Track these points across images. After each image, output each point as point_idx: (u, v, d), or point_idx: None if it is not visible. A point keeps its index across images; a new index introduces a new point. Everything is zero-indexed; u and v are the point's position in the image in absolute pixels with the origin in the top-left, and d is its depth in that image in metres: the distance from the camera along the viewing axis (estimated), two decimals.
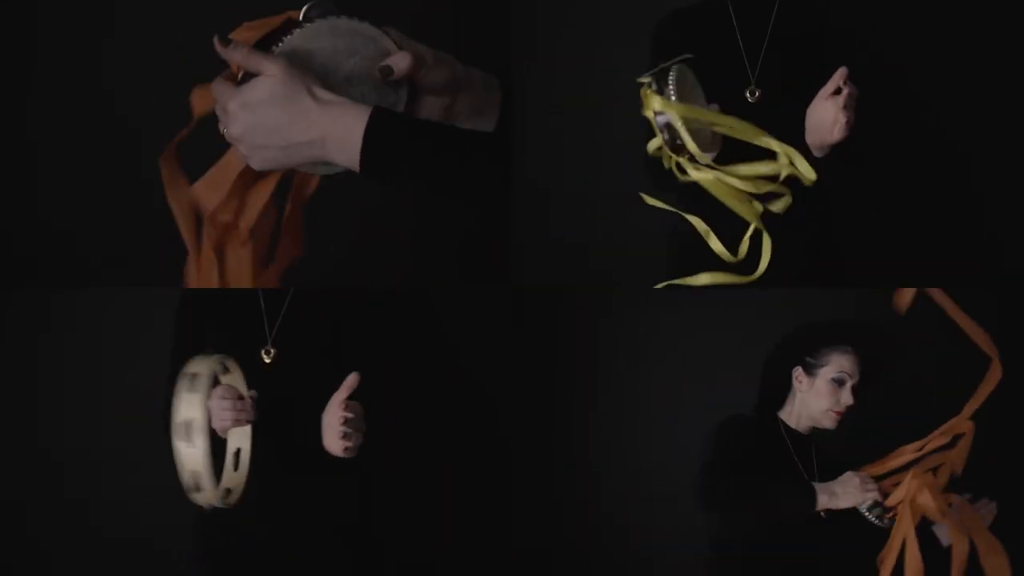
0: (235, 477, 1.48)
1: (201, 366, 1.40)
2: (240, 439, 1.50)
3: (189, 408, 1.35)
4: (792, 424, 1.71)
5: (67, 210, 2.08)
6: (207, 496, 1.38)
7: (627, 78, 1.79)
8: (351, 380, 1.46)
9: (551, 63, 2.22)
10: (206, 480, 1.36)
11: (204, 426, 1.35)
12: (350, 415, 1.46)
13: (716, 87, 1.55)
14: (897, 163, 2.11)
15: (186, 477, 1.37)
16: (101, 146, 2.08)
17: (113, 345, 2.11)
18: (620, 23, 2.15)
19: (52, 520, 2.10)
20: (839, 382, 1.67)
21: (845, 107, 1.46)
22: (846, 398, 1.67)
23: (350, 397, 1.47)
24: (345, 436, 1.45)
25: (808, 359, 1.69)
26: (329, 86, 1.24)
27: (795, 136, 1.59)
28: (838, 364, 1.68)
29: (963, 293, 2.06)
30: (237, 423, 1.48)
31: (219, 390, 1.47)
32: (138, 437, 2.00)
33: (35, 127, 2.08)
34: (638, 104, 1.73)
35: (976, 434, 1.81)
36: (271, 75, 1.20)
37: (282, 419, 1.56)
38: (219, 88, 1.23)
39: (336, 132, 1.19)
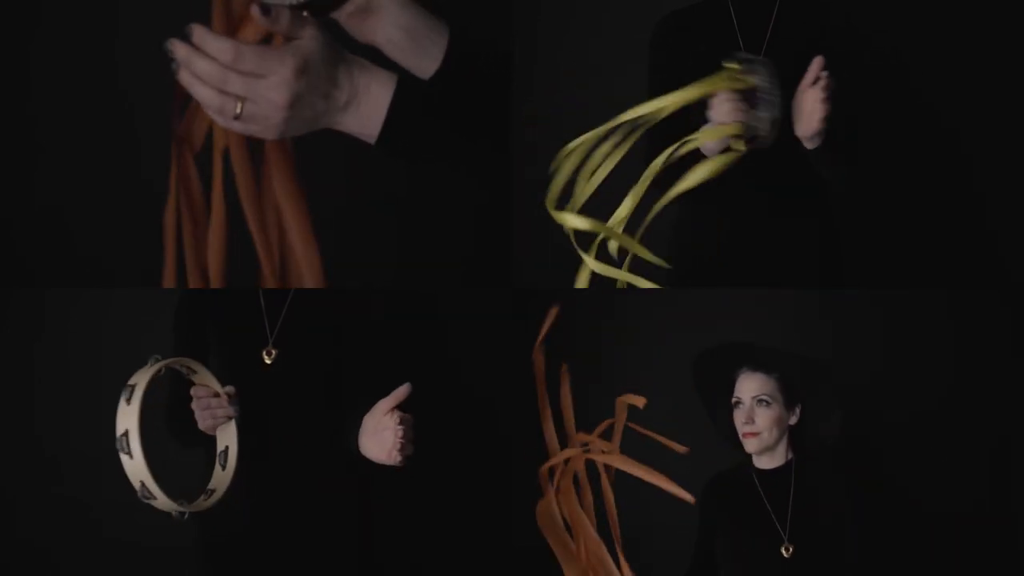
0: (222, 476, 1.49)
1: (139, 377, 1.41)
2: (227, 437, 1.50)
3: (125, 419, 1.37)
4: (756, 463, 1.71)
5: (67, 210, 2.08)
6: (162, 503, 1.41)
7: (628, 78, 1.80)
8: (402, 391, 1.46)
9: (552, 63, 2.22)
10: (154, 488, 1.39)
11: (139, 436, 1.37)
12: (403, 427, 1.46)
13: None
14: (898, 163, 2.11)
15: (137, 488, 1.39)
16: (101, 146, 2.08)
17: (112, 345, 2.11)
18: (621, 23, 2.15)
19: (52, 520, 2.09)
20: (736, 405, 1.68)
21: (823, 100, 1.47)
22: (740, 418, 1.66)
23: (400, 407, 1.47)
24: (402, 448, 1.47)
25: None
26: None
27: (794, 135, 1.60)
28: (736, 389, 1.68)
29: (964, 295, 2.07)
30: (219, 420, 1.49)
31: (193, 391, 1.48)
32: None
33: (36, 127, 2.07)
34: (640, 103, 1.74)
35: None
36: (312, 37, 1.18)
37: (283, 419, 1.56)
38: (257, 53, 1.15)
39: (363, 97, 1.18)
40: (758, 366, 1.66)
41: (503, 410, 2.12)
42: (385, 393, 1.49)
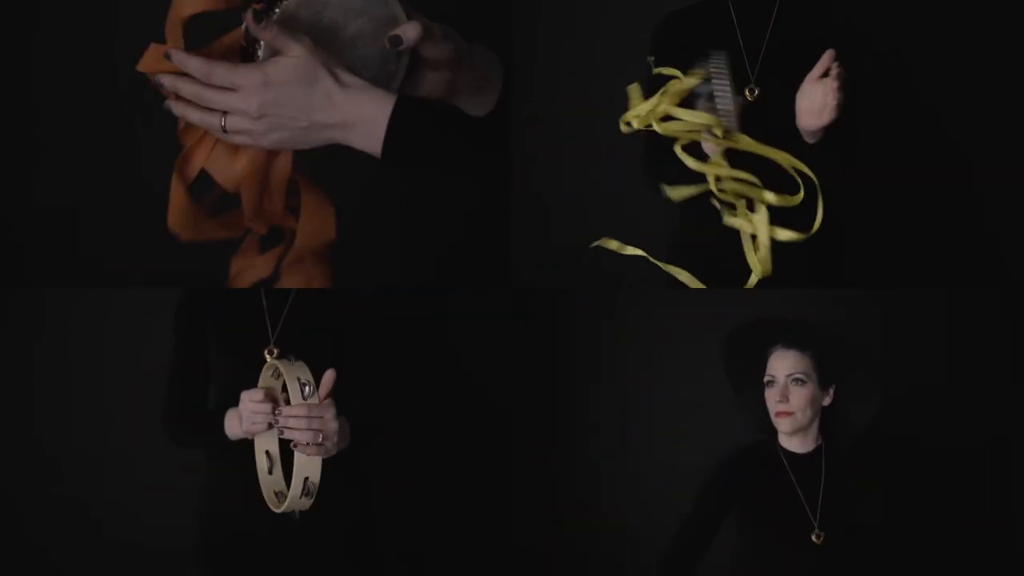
0: (302, 503, 1.46)
1: (301, 372, 1.42)
2: (309, 469, 1.44)
3: (300, 371, 1.41)
4: (786, 445, 1.67)
5: (67, 210, 2.08)
6: (303, 504, 1.42)
7: (628, 78, 1.79)
8: (328, 379, 1.44)
9: (552, 63, 2.22)
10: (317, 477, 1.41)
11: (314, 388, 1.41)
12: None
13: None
14: (898, 163, 2.11)
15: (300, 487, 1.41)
16: (101, 146, 2.08)
17: (113, 345, 2.11)
18: (621, 23, 2.15)
19: (52, 520, 2.09)
20: (768, 384, 1.63)
21: (837, 88, 1.47)
22: (773, 396, 1.62)
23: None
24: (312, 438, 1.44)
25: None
26: (334, 42, 1.26)
27: (795, 133, 1.60)
28: (767, 367, 1.64)
29: (964, 295, 2.07)
30: (265, 429, 1.49)
31: (253, 393, 1.47)
32: (138, 437, 2.00)
33: (36, 127, 2.07)
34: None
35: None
36: (294, 56, 1.21)
37: None
38: (230, 70, 1.21)
39: (359, 119, 1.20)
40: (792, 343, 1.63)
41: (504, 410, 2.12)
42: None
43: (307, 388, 1.41)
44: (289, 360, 1.43)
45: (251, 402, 1.47)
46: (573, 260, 2.23)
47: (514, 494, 2.14)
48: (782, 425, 1.62)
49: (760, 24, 1.68)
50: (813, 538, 1.57)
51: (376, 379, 1.64)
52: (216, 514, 1.61)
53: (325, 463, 1.43)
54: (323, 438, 1.40)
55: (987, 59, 2.14)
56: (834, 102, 1.48)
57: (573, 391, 2.19)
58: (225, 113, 1.22)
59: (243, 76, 1.21)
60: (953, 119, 2.16)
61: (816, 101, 1.50)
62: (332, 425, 1.41)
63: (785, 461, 1.64)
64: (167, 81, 1.24)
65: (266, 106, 1.20)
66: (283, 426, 1.41)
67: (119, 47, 2.04)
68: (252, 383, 1.51)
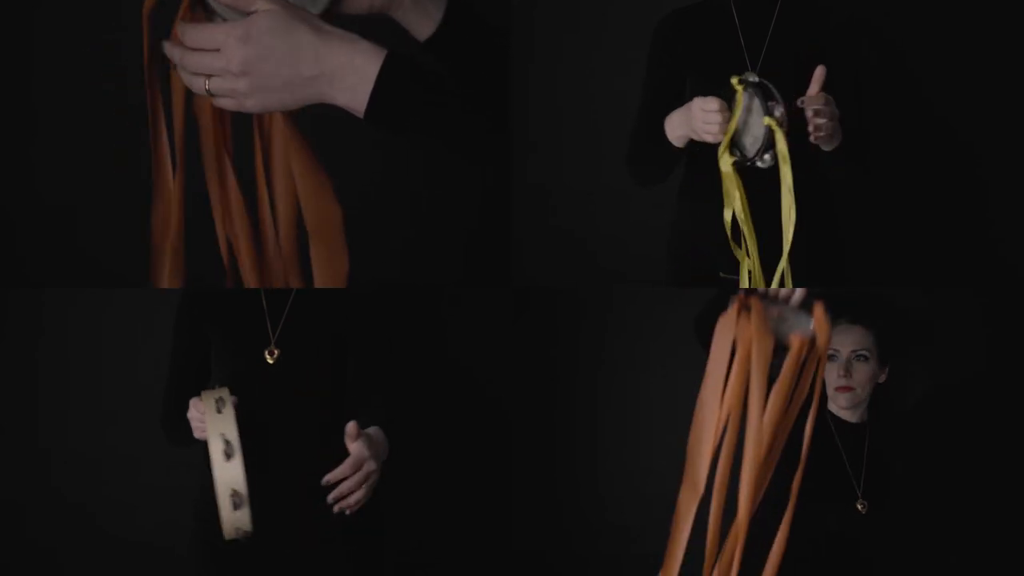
0: (239, 518, 1.46)
1: (221, 392, 1.42)
2: (231, 478, 1.42)
3: (225, 427, 1.39)
4: (837, 413, 1.64)
5: (66, 209, 2.08)
6: (244, 517, 1.41)
7: (629, 76, 1.80)
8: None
9: (553, 60, 2.21)
10: (245, 497, 1.39)
11: (239, 444, 1.39)
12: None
13: (717, 85, 1.55)
14: (899, 162, 2.11)
15: (225, 496, 1.40)
16: (102, 146, 2.08)
17: (113, 345, 2.11)
18: (622, 21, 2.15)
19: (52, 519, 2.09)
20: (831, 358, 1.61)
21: (814, 130, 1.48)
22: (835, 371, 1.60)
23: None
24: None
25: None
26: None
27: (796, 133, 1.60)
28: (832, 341, 1.61)
29: (963, 294, 2.07)
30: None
31: (199, 403, 1.49)
32: (138, 437, 2.00)
33: (36, 128, 2.07)
34: (636, 102, 1.75)
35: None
36: (268, 9, 1.19)
37: (285, 418, 1.56)
38: (203, 30, 1.20)
39: (344, 71, 1.18)
40: (858, 318, 1.61)
41: (504, 408, 2.12)
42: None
43: (229, 448, 1.39)
44: (218, 407, 1.42)
45: (197, 411, 1.51)
46: (573, 257, 2.23)
47: (514, 492, 2.14)
48: (841, 399, 1.61)
49: (761, 24, 1.68)
50: (858, 507, 1.55)
51: (378, 378, 1.64)
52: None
53: (329, 462, 1.44)
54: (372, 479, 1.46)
55: (989, 58, 2.13)
56: (820, 133, 1.48)
57: (574, 389, 2.19)
58: (208, 76, 1.20)
59: (224, 33, 1.19)
60: (955, 117, 2.16)
61: (807, 117, 1.50)
62: (372, 465, 1.46)
63: (835, 429, 1.63)
64: (172, 53, 1.23)
65: (248, 62, 1.18)
66: (334, 497, 1.46)
67: (120, 46, 2.05)
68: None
